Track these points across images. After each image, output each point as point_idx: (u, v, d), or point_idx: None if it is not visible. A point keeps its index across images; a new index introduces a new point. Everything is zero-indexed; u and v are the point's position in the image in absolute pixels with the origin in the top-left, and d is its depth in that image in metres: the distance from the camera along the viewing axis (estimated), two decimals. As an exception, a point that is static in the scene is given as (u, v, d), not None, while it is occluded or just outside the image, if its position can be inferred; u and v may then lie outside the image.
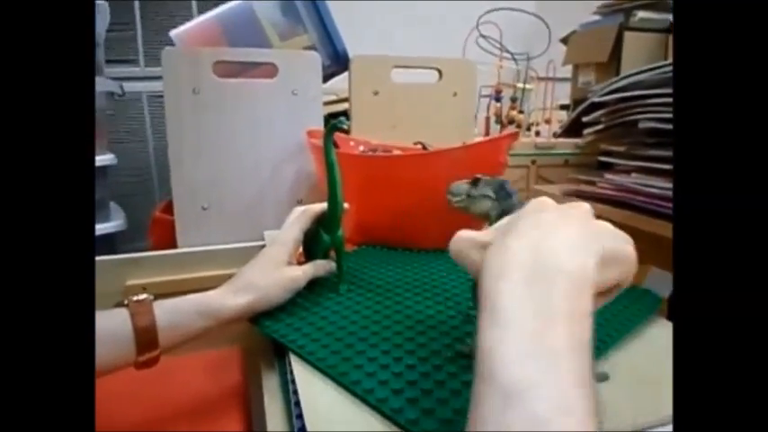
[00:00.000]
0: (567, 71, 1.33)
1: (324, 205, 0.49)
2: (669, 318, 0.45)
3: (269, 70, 0.74)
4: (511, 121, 1.37)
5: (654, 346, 0.39)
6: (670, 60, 0.55)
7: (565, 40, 1.35)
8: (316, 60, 0.75)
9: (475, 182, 0.38)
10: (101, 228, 0.98)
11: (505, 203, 0.37)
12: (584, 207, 0.27)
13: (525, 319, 0.20)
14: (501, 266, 0.22)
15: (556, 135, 1.18)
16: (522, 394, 0.18)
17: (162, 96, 0.70)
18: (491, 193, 0.37)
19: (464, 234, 0.28)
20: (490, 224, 0.37)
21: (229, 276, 0.45)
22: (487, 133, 1.41)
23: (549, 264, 0.22)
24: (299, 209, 0.50)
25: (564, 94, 1.42)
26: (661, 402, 0.31)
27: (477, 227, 0.35)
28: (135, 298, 0.40)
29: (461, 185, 0.39)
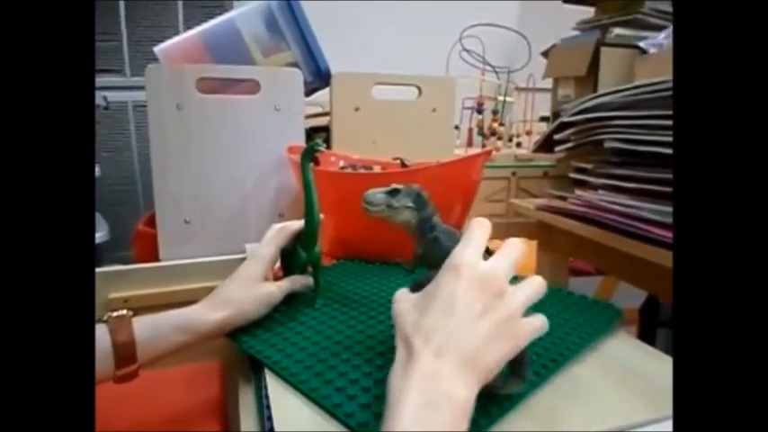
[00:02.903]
0: (547, 82, 1.36)
1: (302, 222, 0.51)
2: (640, 325, 0.47)
3: (251, 86, 0.75)
4: (493, 133, 1.40)
5: (610, 358, 0.41)
6: (634, 83, 0.57)
7: (545, 54, 1.38)
8: (298, 77, 0.77)
9: (394, 192, 0.38)
10: (84, 239, 0.98)
11: (423, 212, 0.38)
12: (511, 307, 0.31)
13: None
14: (404, 386, 0.28)
15: (532, 150, 1.21)
16: None
17: (147, 106, 0.72)
18: (411, 203, 0.38)
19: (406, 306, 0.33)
20: (410, 233, 0.39)
21: (211, 289, 0.46)
22: (470, 144, 1.44)
23: (444, 390, 0.27)
24: (277, 226, 0.52)
25: (545, 106, 1.46)
26: (612, 413, 0.34)
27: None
28: (114, 314, 0.41)
29: (378, 194, 0.38)
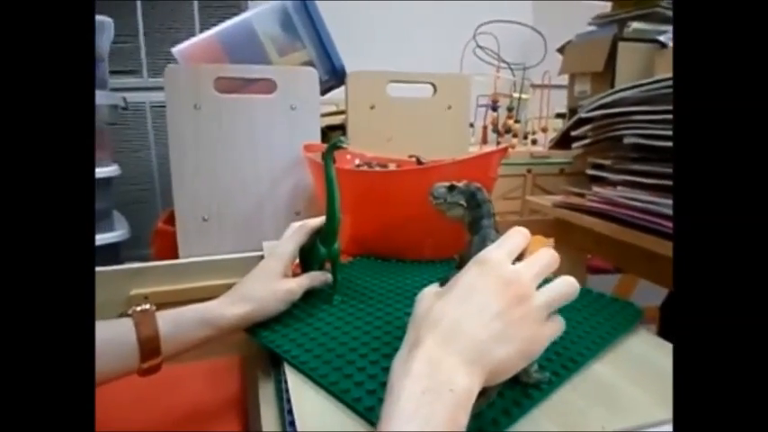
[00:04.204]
0: (563, 78, 1.35)
1: (321, 219, 0.51)
2: (661, 323, 0.47)
3: (268, 86, 0.76)
4: (507, 131, 1.39)
5: (631, 356, 0.41)
6: (653, 78, 0.57)
7: (561, 50, 1.37)
8: (313, 76, 0.78)
9: (451, 188, 0.40)
10: (105, 237, 1.00)
11: (475, 212, 0.39)
12: (529, 305, 0.30)
13: (414, 422, 0.25)
14: (405, 371, 0.27)
15: (549, 146, 1.20)
16: None
17: (164, 106, 0.73)
18: (463, 202, 0.39)
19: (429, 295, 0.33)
20: (465, 228, 0.40)
21: (229, 286, 0.47)
22: (485, 141, 1.44)
23: (445, 379, 0.27)
24: (297, 224, 0.52)
25: (560, 102, 1.44)
26: (632, 411, 0.33)
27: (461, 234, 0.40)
28: (139, 308, 0.42)
29: (441, 189, 0.40)
